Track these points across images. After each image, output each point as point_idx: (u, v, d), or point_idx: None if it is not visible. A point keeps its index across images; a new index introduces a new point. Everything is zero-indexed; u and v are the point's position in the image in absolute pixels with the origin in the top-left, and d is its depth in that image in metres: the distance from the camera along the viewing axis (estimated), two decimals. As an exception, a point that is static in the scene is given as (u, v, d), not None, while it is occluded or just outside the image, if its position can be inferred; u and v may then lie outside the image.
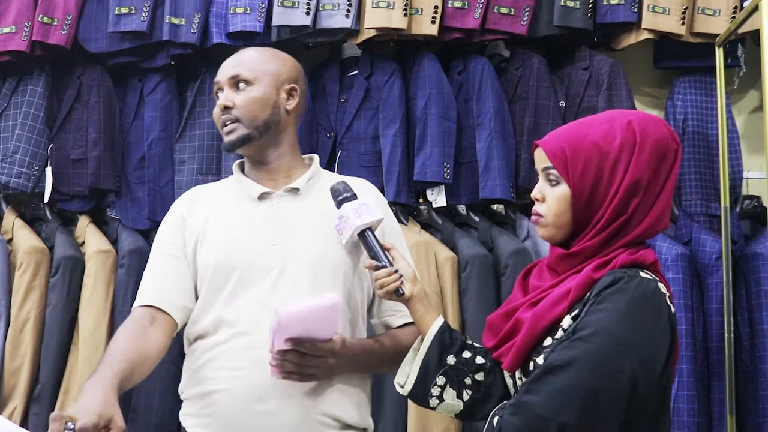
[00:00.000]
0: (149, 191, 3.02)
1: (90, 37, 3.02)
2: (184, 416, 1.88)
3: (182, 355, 2.76)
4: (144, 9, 2.96)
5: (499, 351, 1.63)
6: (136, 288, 2.79)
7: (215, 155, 3.04)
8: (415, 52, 3.12)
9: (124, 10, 2.95)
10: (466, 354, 1.72)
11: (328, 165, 2.98)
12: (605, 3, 2.99)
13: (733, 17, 2.98)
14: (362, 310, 1.93)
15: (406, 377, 1.75)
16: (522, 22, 3.00)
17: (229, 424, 1.79)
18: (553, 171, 1.59)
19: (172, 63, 3.06)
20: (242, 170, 2.00)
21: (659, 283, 1.53)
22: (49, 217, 3.03)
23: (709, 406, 2.82)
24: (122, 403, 1.58)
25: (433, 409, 1.73)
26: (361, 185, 1.98)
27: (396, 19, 2.91)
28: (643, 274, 1.51)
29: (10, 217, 3.01)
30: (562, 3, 2.95)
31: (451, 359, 1.71)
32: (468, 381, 1.70)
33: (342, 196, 1.83)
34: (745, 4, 2.79)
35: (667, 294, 1.53)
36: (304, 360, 1.74)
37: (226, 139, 1.92)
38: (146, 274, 1.93)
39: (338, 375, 1.82)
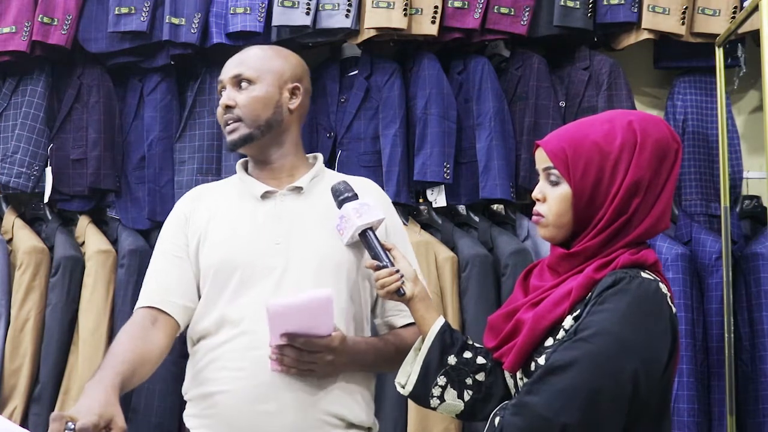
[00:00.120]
0: (149, 191, 3.02)
1: (90, 37, 3.02)
2: (188, 417, 1.88)
3: (183, 356, 2.75)
4: (144, 9, 2.96)
5: (500, 351, 1.63)
6: (136, 288, 2.80)
7: (215, 155, 3.04)
8: (415, 52, 3.12)
9: (124, 10, 2.95)
10: (467, 354, 1.72)
11: (328, 165, 2.95)
12: (605, 3, 2.99)
13: (733, 17, 2.98)
14: (366, 309, 1.92)
15: (407, 377, 1.75)
16: (522, 22, 3.00)
17: (231, 425, 1.79)
18: (554, 171, 1.59)
19: (172, 63, 3.05)
20: (246, 169, 1.99)
21: (660, 284, 1.53)
22: (49, 217, 3.03)
23: (709, 406, 2.82)
24: (122, 403, 1.58)
25: (434, 409, 1.73)
26: (365, 185, 1.97)
27: (396, 19, 2.91)
28: (644, 275, 1.52)
29: (10, 217, 3.01)
30: (562, 3, 2.95)
31: (452, 359, 1.71)
32: (469, 381, 1.70)
33: (343, 196, 1.82)
34: (745, 4, 2.79)
35: (668, 294, 1.53)
36: (301, 356, 1.74)
37: (229, 138, 1.92)
38: (148, 275, 1.92)
39: (341, 373, 1.82)
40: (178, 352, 2.70)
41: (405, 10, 2.91)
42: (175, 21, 2.96)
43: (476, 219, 3.03)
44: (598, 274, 1.52)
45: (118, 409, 1.54)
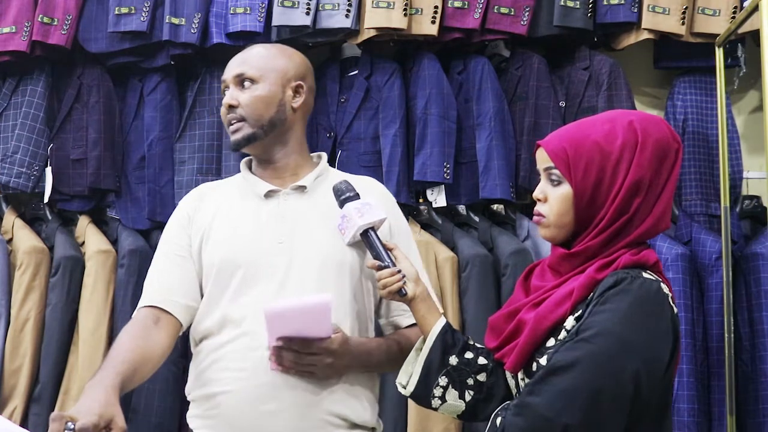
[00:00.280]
0: (149, 191, 3.02)
1: (90, 37, 3.02)
2: (191, 418, 1.87)
3: (183, 356, 2.78)
4: (144, 9, 2.96)
5: (501, 352, 1.63)
6: (136, 288, 2.81)
7: (215, 155, 3.04)
8: (415, 52, 3.12)
9: (124, 10, 2.95)
10: (469, 354, 1.72)
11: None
12: (605, 3, 2.99)
13: (733, 17, 2.98)
14: (369, 309, 1.91)
15: (408, 377, 1.74)
16: (522, 22, 3.00)
17: (234, 426, 1.78)
18: (555, 171, 1.59)
19: (172, 63, 3.05)
20: (249, 168, 1.99)
21: (662, 284, 1.53)
22: (49, 217, 3.03)
23: (709, 406, 2.82)
24: (122, 403, 1.57)
25: (435, 409, 1.73)
26: (369, 184, 1.97)
27: (396, 19, 2.91)
28: (645, 275, 1.52)
29: (10, 217, 3.01)
30: (562, 3, 2.95)
31: (453, 360, 1.70)
32: (470, 381, 1.70)
33: (344, 196, 1.82)
34: (745, 4, 2.79)
35: (670, 295, 1.53)
36: (299, 358, 1.74)
37: (232, 138, 1.91)
38: (150, 274, 1.92)
39: (345, 374, 1.81)
40: (179, 352, 2.72)
41: (405, 10, 2.91)
42: (175, 21, 2.96)
43: (476, 219, 3.03)
44: (600, 274, 1.52)
45: (118, 409, 1.54)
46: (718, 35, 2.93)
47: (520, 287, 1.69)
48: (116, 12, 2.95)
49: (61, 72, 3.10)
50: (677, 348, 1.53)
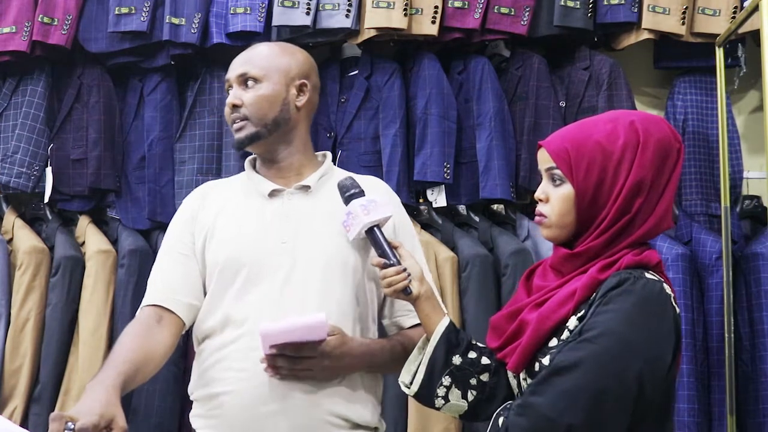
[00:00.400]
0: (149, 191, 3.02)
1: (90, 37, 3.02)
2: (194, 417, 1.87)
3: (184, 356, 2.78)
4: (144, 9, 2.96)
5: (503, 352, 1.62)
6: (137, 288, 2.81)
7: (215, 155, 3.04)
8: (415, 52, 3.12)
9: (124, 10, 2.95)
10: (472, 354, 1.71)
11: (328, 165, 2.98)
12: (605, 3, 2.99)
13: (733, 17, 2.98)
14: (372, 309, 1.91)
15: (411, 376, 1.74)
16: (522, 22, 3.00)
17: (236, 426, 1.78)
18: (557, 171, 1.59)
19: (172, 63, 3.05)
20: (254, 167, 1.98)
21: (664, 284, 1.53)
22: (49, 217, 3.03)
23: (709, 406, 2.82)
24: (123, 404, 1.57)
25: (438, 409, 1.73)
26: (373, 184, 1.96)
27: (396, 19, 2.91)
28: (648, 275, 1.52)
29: (10, 217, 3.01)
30: (562, 3, 2.95)
31: (457, 359, 1.70)
32: (473, 381, 1.70)
33: (349, 192, 1.80)
34: (745, 4, 2.79)
35: (672, 295, 1.53)
36: (294, 363, 1.74)
37: (235, 136, 1.91)
38: (154, 273, 1.91)
39: (347, 374, 1.81)
40: (179, 353, 2.72)
41: (405, 10, 2.91)
42: (175, 21, 2.95)
43: (476, 219, 3.03)
44: (603, 274, 1.52)
45: (119, 409, 1.53)
46: (718, 35, 2.93)
47: (523, 287, 1.68)
48: (116, 12, 2.95)
49: (61, 72, 3.10)
50: (679, 348, 1.53)
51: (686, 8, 3.00)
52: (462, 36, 3.02)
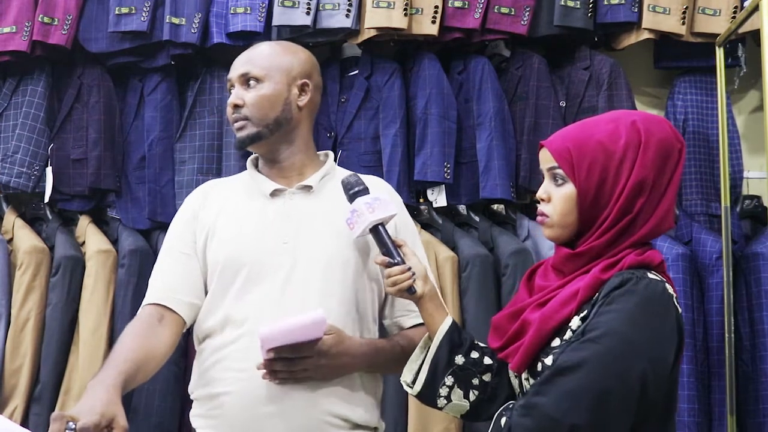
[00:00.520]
0: (149, 191, 3.02)
1: (90, 37, 3.02)
2: (194, 417, 1.87)
3: (184, 356, 2.78)
4: (144, 9, 2.96)
5: (505, 352, 1.62)
6: (137, 288, 2.81)
7: (215, 155, 3.04)
8: (415, 52, 3.12)
9: (125, 10, 2.95)
10: (474, 354, 1.72)
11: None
12: (605, 3, 2.99)
13: (734, 17, 2.98)
14: (373, 309, 1.91)
15: (413, 376, 1.74)
16: (522, 22, 3.00)
17: (236, 427, 1.78)
18: (559, 171, 1.59)
19: (173, 63, 3.05)
20: (256, 166, 1.98)
21: (667, 284, 1.53)
22: (50, 217, 3.03)
23: (709, 406, 2.82)
24: (123, 403, 1.57)
25: (441, 409, 1.73)
26: (375, 183, 1.95)
27: (396, 19, 2.91)
28: (651, 275, 1.52)
29: (11, 217, 3.01)
30: (563, 3, 2.96)
31: (459, 359, 1.70)
32: (475, 381, 1.70)
33: (354, 190, 1.79)
34: (746, 4, 2.79)
35: (674, 295, 1.53)
36: (291, 365, 1.74)
37: (237, 136, 1.90)
38: (155, 272, 1.91)
39: (346, 374, 1.81)
40: (179, 352, 2.72)
41: (405, 10, 2.91)
42: (176, 21, 2.95)
43: (476, 219, 3.03)
44: (605, 274, 1.52)
45: (120, 409, 1.53)
46: (718, 35, 2.93)
47: (524, 287, 1.68)
48: (116, 12, 2.95)
49: (61, 72, 3.10)
50: (682, 348, 1.53)
51: (686, 8, 3.00)
52: (462, 36, 3.02)
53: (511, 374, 1.67)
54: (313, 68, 1.97)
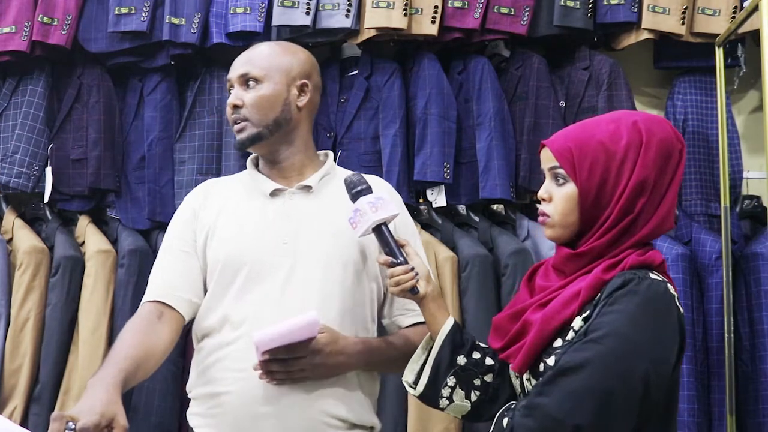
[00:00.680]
0: (149, 191, 3.02)
1: (90, 37, 3.02)
2: (192, 415, 1.87)
3: (182, 355, 2.77)
4: (144, 9, 2.95)
5: (507, 352, 1.62)
6: (137, 288, 2.81)
7: (215, 155, 3.04)
8: (415, 52, 3.12)
9: (124, 10, 2.95)
10: (476, 355, 1.72)
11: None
12: (605, 3, 2.99)
13: (733, 17, 2.98)
14: (372, 309, 1.91)
15: (415, 376, 1.74)
16: (522, 22, 3.00)
17: (234, 426, 1.78)
18: (560, 170, 1.59)
19: (172, 63, 3.05)
20: (256, 165, 1.98)
21: (668, 285, 1.53)
22: (49, 217, 3.03)
23: (709, 406, 2.82)
24: (123, 402, 1.57)
25: (442, 409, 1.73)
26: (376, 183, 1.94)
27: (396, 19, 2.91)
28: (652, 276, 1.52)
29: (10, 217, 3.01)
30: (562, 3, 2.95)
31: (461, 360, 1.70)
32: (477, 382, 1.71)
33: (357, 189, 1.79)
34: (745, 4, 2.79)
35: (676, 295, 1.53)
36: (287, 365, 1.74)
37: (237, 137, 1.90)
38: (155, 270, 1.91)
39: (343, 374, 1.81)
40: (178, 352, 2.71)
41: (405, 10, 2.91)
42: (175, 21, 2.95)
43: (476, 219, 3.03)
44: (607, 274, 1.52)
45: (120, 408, 1.53)
46: (718, 35, 2.93)
47: (525, 287, 1.68)
48: (116, 12, 2.94)
49: (61, 72, 3.10)
50: (683, 348, 1.53)
51: (686, 8, 3.00)
52: (462, 36, 3.02)
53: (513, 375, 1.67)
54: (312, 68, 1.97)
